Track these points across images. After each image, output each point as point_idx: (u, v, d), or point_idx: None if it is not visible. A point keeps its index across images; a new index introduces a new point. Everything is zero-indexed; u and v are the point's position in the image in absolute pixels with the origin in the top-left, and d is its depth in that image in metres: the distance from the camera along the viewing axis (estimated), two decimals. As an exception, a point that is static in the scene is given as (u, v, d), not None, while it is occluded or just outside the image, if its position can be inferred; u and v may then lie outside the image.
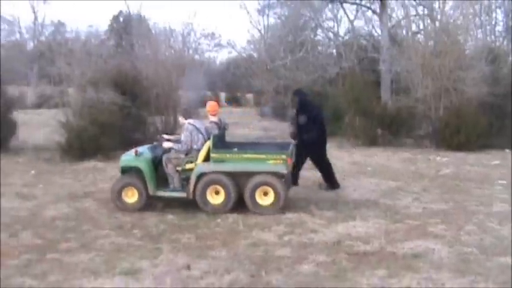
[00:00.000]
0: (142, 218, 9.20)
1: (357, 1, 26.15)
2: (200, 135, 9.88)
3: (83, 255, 7.25)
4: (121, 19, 49.34)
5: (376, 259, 7.09)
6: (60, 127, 15.90)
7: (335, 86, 24.33)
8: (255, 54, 34.37)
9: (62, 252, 7.41)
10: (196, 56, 33.17)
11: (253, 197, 9.40)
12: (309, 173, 12.33)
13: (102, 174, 13.46)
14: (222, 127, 10.59)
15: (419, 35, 23.31)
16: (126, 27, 36.61)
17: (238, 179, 9.52)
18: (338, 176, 11.95)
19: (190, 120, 10.10)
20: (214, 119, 10.49)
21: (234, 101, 50.24)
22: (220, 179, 9.46)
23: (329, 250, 7.47)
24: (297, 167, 11.35)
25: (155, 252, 7.42)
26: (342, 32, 29.11)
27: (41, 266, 6.89)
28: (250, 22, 39.85)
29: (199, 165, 9.62)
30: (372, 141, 19.22)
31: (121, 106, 16.09)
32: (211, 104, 10.65)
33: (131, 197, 9.77)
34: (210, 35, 40.41)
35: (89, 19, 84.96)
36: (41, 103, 31.55)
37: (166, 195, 9.86)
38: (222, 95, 52.26)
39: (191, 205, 9.74)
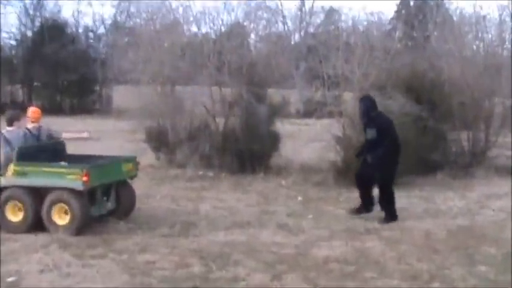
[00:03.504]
0: (444, 267, 9.09)
1: None
2: (8, 148, 11.02)
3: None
4: (411, 3, 49.71)
5: None
6: (335, 142, 16.35)
7: None
8: None
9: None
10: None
11: (49, 215, 10.38)
12: None
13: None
14: (43, 136, 11.86)
15: None
16: (418, 14, 36.70)
17: (41, 195, 10.56)
18: None
19: (7, 129, 11.40)
20: (31, 125, 11.71)
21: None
22: (19, 195, 10.60)
23: None
24: (366, 190, 12.32)
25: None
26: None
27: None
28: None
29: (0, 179, 10.74)
30: None
31: (415, 117, 16.05)
32: (32, 110, 12.12)
33: None
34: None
35: (369, 4, 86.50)
36: (310, 111, 32.72)
37: None
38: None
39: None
